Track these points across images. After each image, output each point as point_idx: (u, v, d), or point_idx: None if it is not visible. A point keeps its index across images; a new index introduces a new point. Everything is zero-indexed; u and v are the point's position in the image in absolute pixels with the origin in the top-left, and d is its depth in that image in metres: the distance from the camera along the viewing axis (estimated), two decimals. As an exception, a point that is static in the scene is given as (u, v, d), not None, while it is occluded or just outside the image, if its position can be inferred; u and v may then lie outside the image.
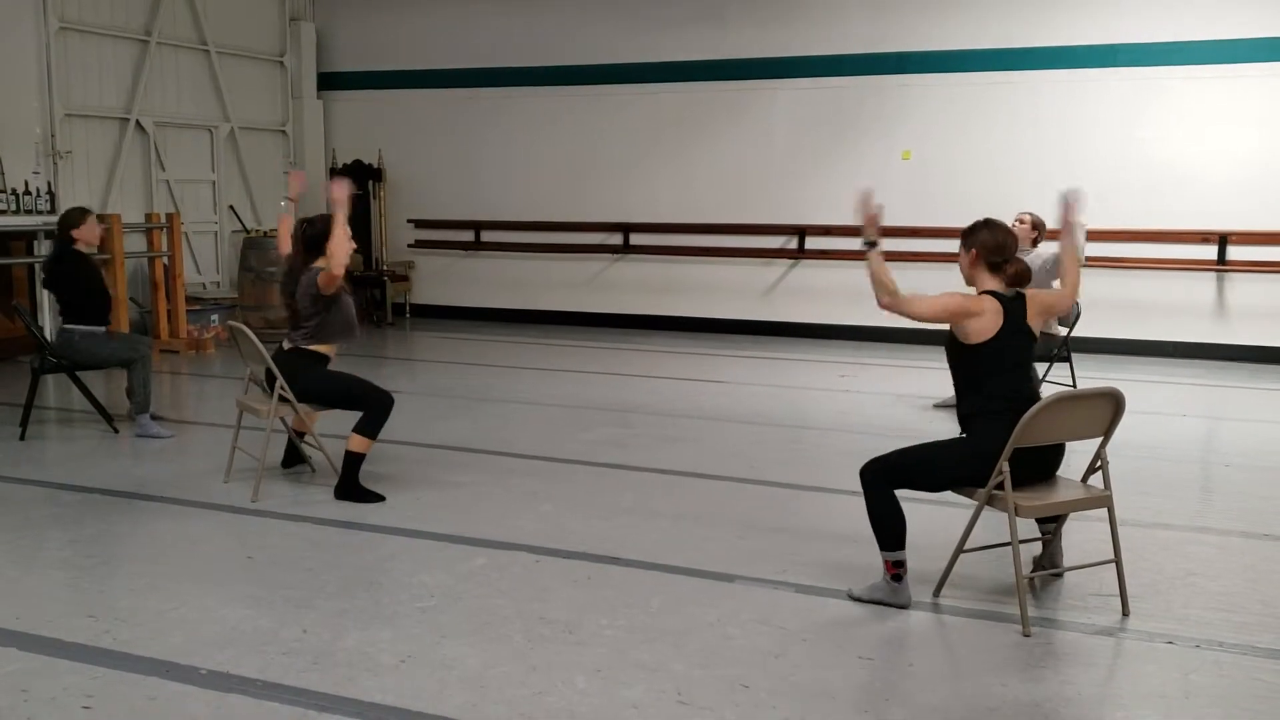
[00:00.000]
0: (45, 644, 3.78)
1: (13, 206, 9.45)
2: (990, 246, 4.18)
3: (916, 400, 8.08)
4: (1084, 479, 4.19)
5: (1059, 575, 4.43)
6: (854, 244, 11.30)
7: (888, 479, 4.11)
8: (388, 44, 13.05)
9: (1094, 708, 3.44)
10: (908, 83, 11.01)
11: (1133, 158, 10.26)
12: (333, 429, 6.23)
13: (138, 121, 11.15)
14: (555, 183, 12.48)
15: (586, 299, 12.55)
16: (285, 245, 5.95)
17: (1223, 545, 4.97)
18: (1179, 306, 10.33)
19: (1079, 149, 10.40)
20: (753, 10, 11.53)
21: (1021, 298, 4.18)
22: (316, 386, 5.60)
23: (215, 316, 11.05)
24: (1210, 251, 10.13)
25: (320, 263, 5.57)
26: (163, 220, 10.73)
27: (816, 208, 11.37)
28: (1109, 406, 4.01)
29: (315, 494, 5.65)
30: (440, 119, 12.88)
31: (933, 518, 4.85)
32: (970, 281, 4.28)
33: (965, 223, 4.36)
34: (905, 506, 4.11)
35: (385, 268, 12.89)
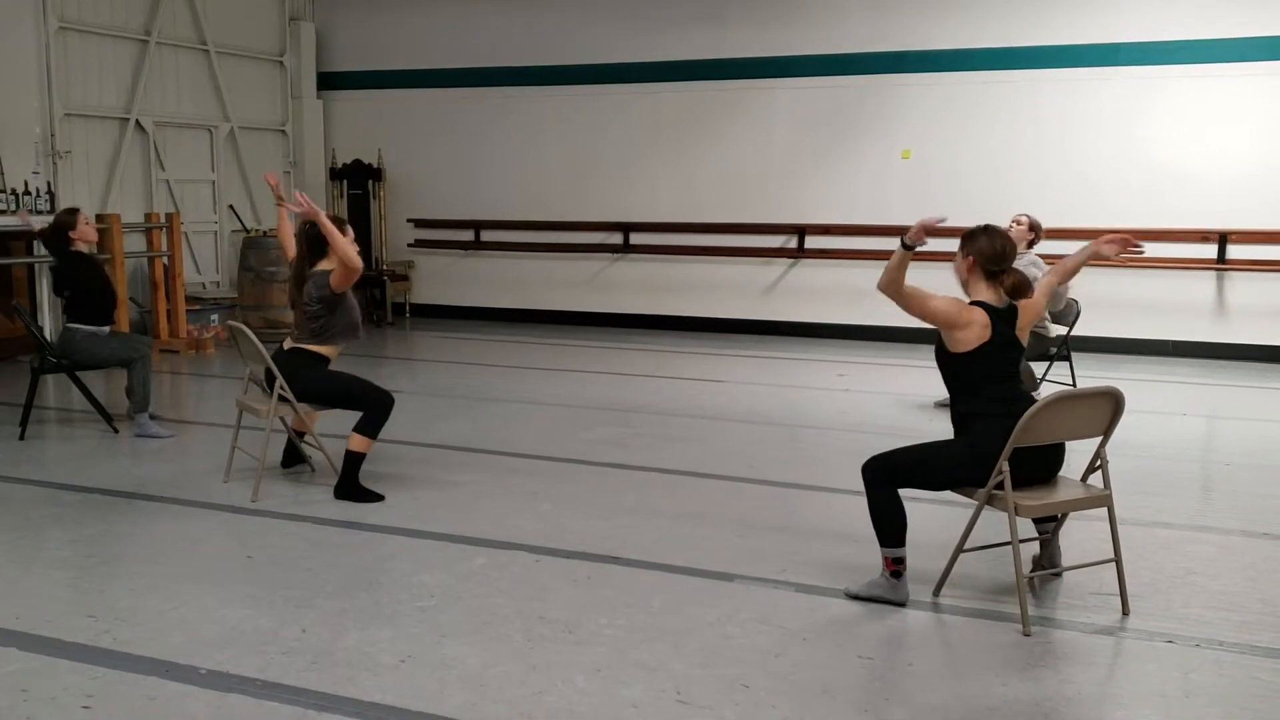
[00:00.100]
0: (45, 644, 3.78)
1: (12, 206, 9.45)
2: (989, 254, 4.08)
3: (916, 399, 8.09)
4: (1084, 478, 4.19)
5: (1059, 574, 4.43)
6: (853, 243, 11.42)
7: (889, 477, 4.11)
8: (387, 44, 13.05)
9: (1094, 707, 3.44)
10: (907, 82, 11.01)
11: (1132, 156, 10.26)
12: (333, 429, 6.24)
13: (137, 121, 11.14)
14: (555, 182, 12.49)
15: (586, 299, 12.55)
16: (290, 248, 5.96)
17: (1223, 544, 4.97)
18: (1179, 305, 10.33)
19: (1079, 148, 10.41)
20: (752, 10, 11.53)
21: (1014, 309, 4.13)
22: (316, 386, 5.60)
23: (215, 316, 11.06)
24: (1210, 250, 10.14)
25: (325, 264, 5.59)
26: (162, 220, 10.74)
27: (816, 207, 11.38)
28: (1109, 406, 4.01)
29: (315, 494, 5.65)
30: (440, 119, 12.88)
31: (933, 516, 4.85)
32: (964, 287, 4.19)
33: (965, 223, 4.32)
34: (905, 505, 4.10)
35: (385, 267, 12.89)
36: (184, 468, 6.20)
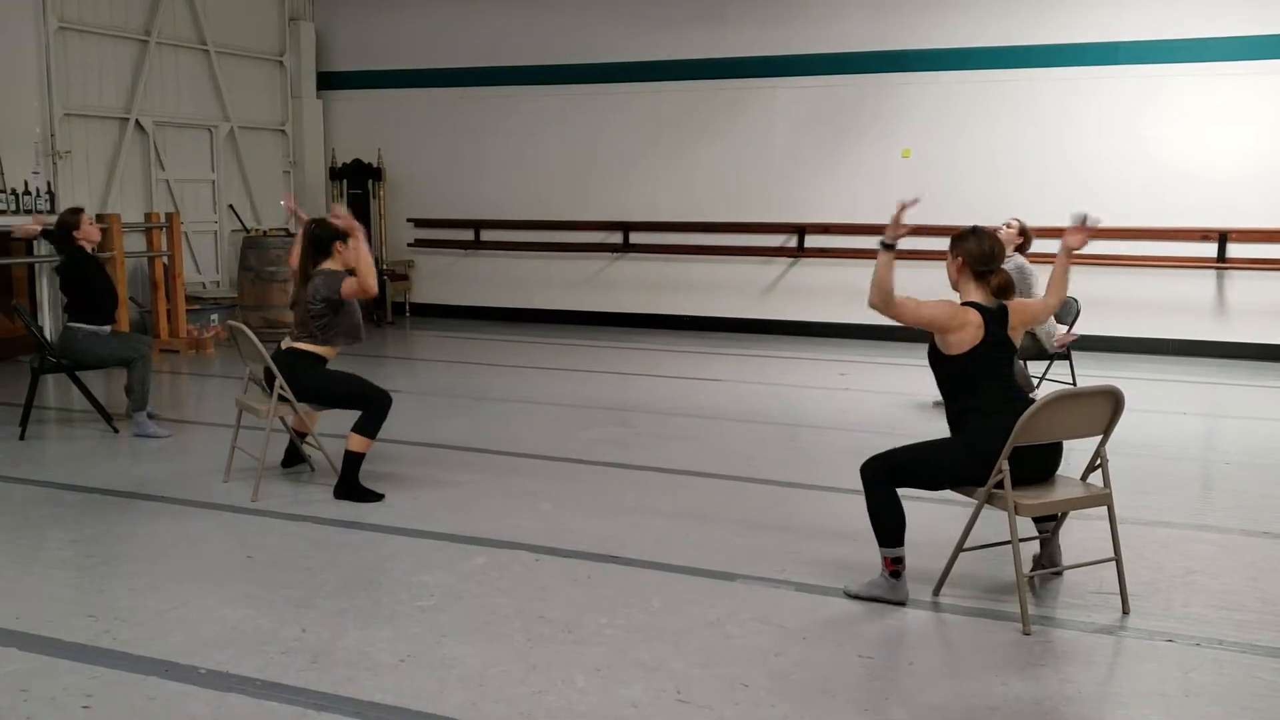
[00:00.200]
0: (45, 644, 3.78)
1: (12, 206, 9.45)
2: (976, 255, 4.15)
3: (915, 399, 8.09)
4: (1084, 477, 4.19)
5: (1059, 574, 4.42)
6: (853, 242, 11.42)
7: (889, 477, 4.11)
8: (387, 44, 13.05)
9: (1094, 706, 3.44)
10: (907, 81, 11.01)
11: (1133, 155, 10.26)
12: (333, 429, 6.24)
13: (137, 121, 11.14)
14: (555, 182, 12.48)
15: (586, 298, 12.55)
16: (295, 258, 5.92)
17: (1223, 543, 4.96)
18: (1179, 304, 10.33)
19: (1079, 147, 10.41)
20: (752, 9, 11.53)
21: (1004, 309, 4.16)
22: (316, 386, 5.60)
23: (215, 316, 11.06)
24: (1210, 249, 10.14)
25: (329, 264, 5.63)
26: (162, 220, 10.75)
27: (816, 206, 11.38)
28: (1108, 404, 4.01)
29: (315, 493, 5.65)
30: (440, 119, 12.88)
31: (932, 516, 4.85)
32: (955, 288, 4.26)
33: (965, 222, 4.35)
34: (905, 505, 4.11)
35: (385, 267, 12.88)
36: (184, 467, 6.20)
